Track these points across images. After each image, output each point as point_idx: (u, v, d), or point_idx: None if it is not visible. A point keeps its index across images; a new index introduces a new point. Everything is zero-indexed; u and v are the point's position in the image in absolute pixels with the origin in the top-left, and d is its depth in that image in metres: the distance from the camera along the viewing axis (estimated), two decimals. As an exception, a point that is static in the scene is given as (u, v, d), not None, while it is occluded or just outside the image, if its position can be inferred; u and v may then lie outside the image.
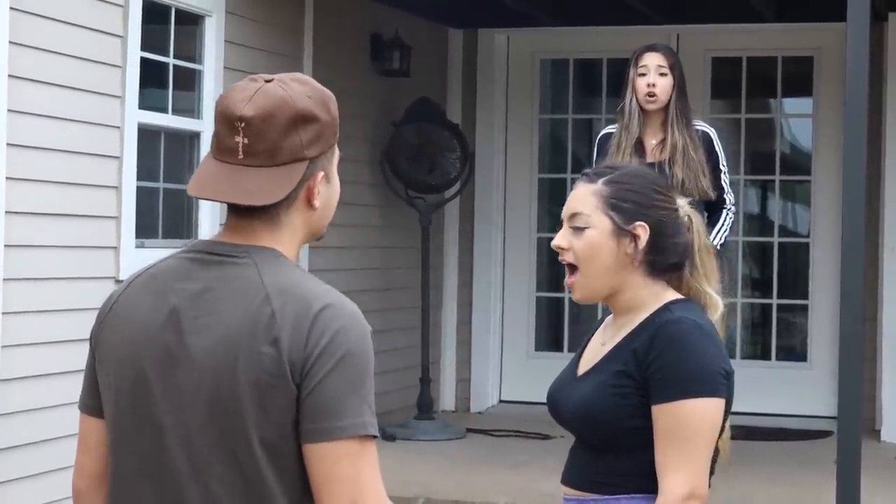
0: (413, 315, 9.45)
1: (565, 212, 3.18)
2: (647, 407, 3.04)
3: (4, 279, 5.71)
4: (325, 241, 8.50)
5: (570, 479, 3.22)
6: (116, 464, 2.50)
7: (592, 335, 3.31)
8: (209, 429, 2.38)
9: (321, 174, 2.49)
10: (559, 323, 10.47)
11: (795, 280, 10.37)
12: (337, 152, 2.54)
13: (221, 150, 2.45)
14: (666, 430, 3.01)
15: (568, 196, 3.22)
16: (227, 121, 2.44)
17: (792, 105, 10.88)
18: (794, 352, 10.27)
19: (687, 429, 3.00)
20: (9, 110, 5.73)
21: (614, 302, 3.18)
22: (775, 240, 10.39)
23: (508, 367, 10.47)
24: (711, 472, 3.13)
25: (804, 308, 10.16)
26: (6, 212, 5.73)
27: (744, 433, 9.20)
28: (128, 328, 2.47)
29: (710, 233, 6.51)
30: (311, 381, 2.35)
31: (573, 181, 3.27)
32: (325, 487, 2.34)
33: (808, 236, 10.23)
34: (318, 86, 2.52)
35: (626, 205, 3.11)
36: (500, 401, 10.44)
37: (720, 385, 3.04)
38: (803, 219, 10.52)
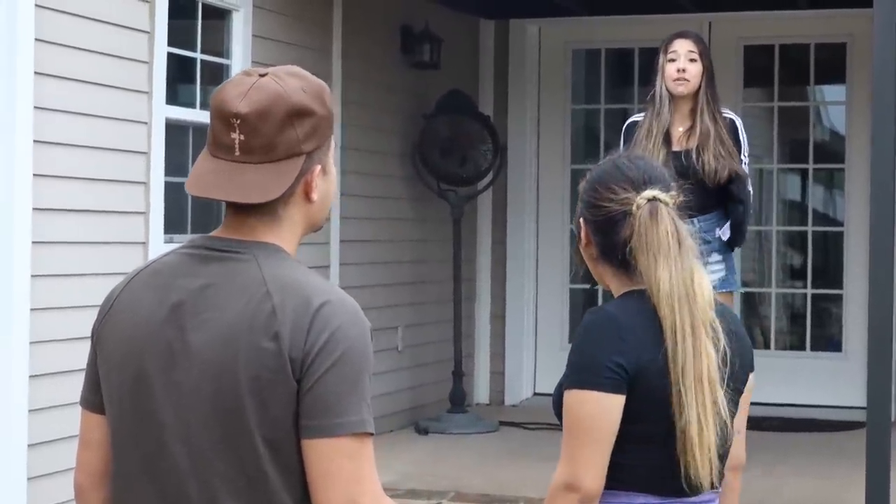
0: (446, 308, 9.45)
1: None
2: None
3: (32, 276, 5.73)
4: (356, 235, 8.58)
5: None
6: (118, 461, 2.50)
7: None
8: (210, 425, 2.38)
9: (318, 167, 2.48)
10: (593, 314, 10.43)
11: (830, 269, 10.31)
12: (332, 144, 2.53)
13: (217, 146, 2.45)
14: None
15: None
16: (222, 117, 2.43)
17: (825, 92, 10.81)
18: (829, 342, 10.21)
19: (567, 420, 3.01)
20: (35, 107, 5.75)
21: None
22: (809, 229, 10.33)
23: (542, 360, 10.45)
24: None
25: (839, 298, 10.10)
26: (33, 208, 5.75)
27: (778, 424, 9.17)
28: (129, 324, 2.47)
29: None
30: (311, 378, 2.35)
31: None
32: (321, 483, 2.34)
33: (842, 225, 10.17)
34: (314, 79, 2.51)
35: (580, 203, 3.20)
36: (535, 393, 10.43)
37: (604, 379, 2.98)
38: (838, 207, 10.46)
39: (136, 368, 2.45)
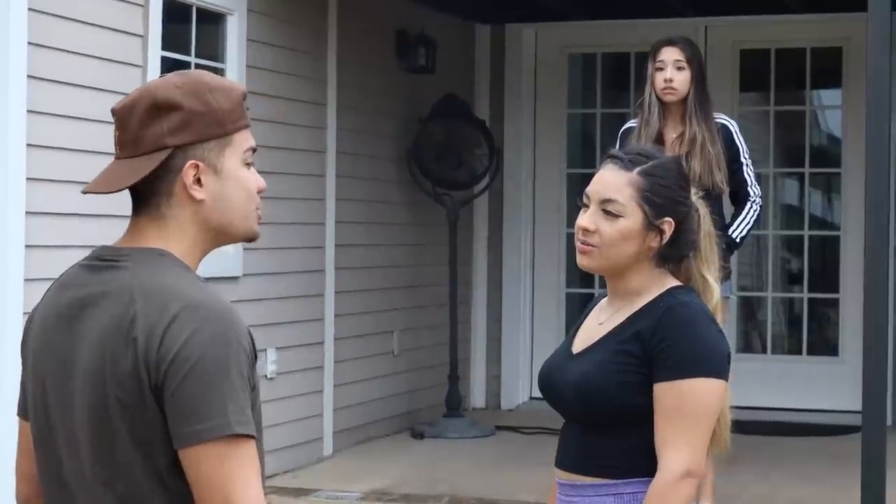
0: (442, 312, 9.44)
1: (596, 194, 3.21)
2: (648, 385, 3.09)
3: (26, 280, 5.72)
4: (352, 239, 8.57)
5: (563, 462, 3.23)
6: (38, 470, 2.54)
7: (586, 316, 3.35)
8: (91, 435, 2.39)
9: (195, 163, 2.45)
10: (589, 318, 10.43)
11: (827, 273, 10.30)
12: (240, 145, 2.49)
13: (114, 147, 2.51)
14: (669, 408, 3.06)
15: (596, 175, 3.25)
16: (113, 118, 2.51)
17: (822, 97, 10.81)
18: (826, 346, 10.21)
19: (691, 407, 3.06)
20: (28, 111, 5.74)
21: (617, 284, 3.23)
22: (806, 233, 10.33)
23: (539, 364, 10.32)
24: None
25: (835, 302, 10.09)
26: (27, 212, 5.74)
27: (774, 428, 9.16)
28: (37, 339, 2.51)
29: (732, 225, 6.49)
30: (171, 386, 2.32)
31: (602, 161, 3.29)
32: (196, 490, 2.32)
33: (839, 229, 10.16)
34: (204, 78, 2.49)
35: (657, 199, 3.17)
36: (531, 398, 10.41)
37: (724, 367, 3.12)
38: (835, 211, 10.46)
39: (39, 383, 2.48)
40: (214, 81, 2.49)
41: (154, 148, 2.43)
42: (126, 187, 2.45)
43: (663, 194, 3.18)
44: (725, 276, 6.41)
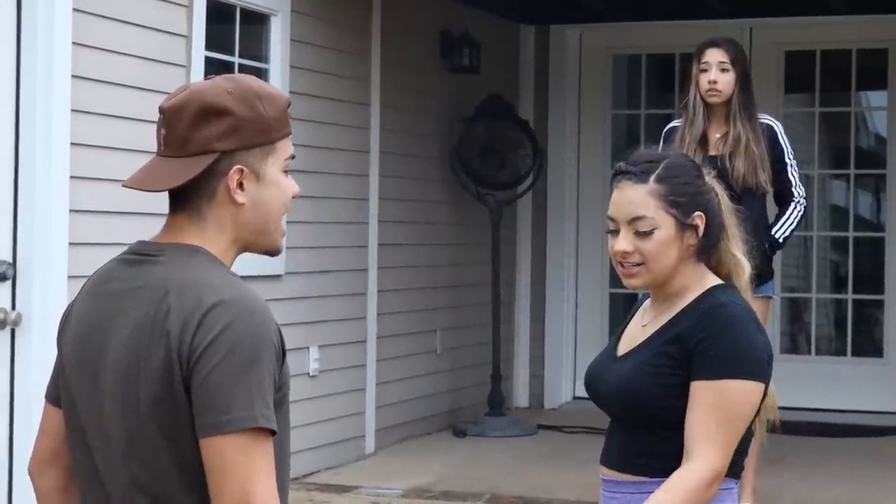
0: (484, 311, 9.46)
1: (622, 215, 3.19)
2: (685, 388, 3.10)
3: (69, 276, 5.79)
4: (394, 238, 8.61)
5: (607, 460, 3.27)
6: (73, 463, 2.58)
7: (631, 317, 3.36)
8: (122, 430, 2.43)
9: (240, 168, 2.49)
10: (633, 319, 10.42)
11: (872, 275, 10.26)
12: (282, 153, 2.53)
13: (157, 144, 2.54)
14: (706, 403, 3.05)
15: (614, 196, 3.22)
16: (158, 115, 2.53)
17: (867, 98, 10.77)
18: (871, 347, 10.17)
19: (728, 407, 3.06)
20: (73, 110, 5.81)
21: (662, 288, 3.22)
22: (850, 234, 10.29)
23: (582, 364, 10.43)
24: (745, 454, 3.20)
25: (880, 303, 10.06)
26: (70, 210, 5.81)
27: (818, 429, 9.14)
28: (74, 332, 2.55)
29: (775, 225, 6.50)
30: (198, 377, 2.35)
31: (612, 179, 3.26)
32: (214, 480, 2.34)
33: (884, 230, 10.12)
34: (253, 84, 2.52)
35: (682, 199, 3.17)
36: (574, 397, 10.42)
37: (765, 369, 3.11)
38: (880, 212, 10.42)
39: (75, 373, 2.52)
40: (262, 88, 2.53)
41: (201, 151, 2.46)
42: (173, 187, 2.48)
43: (686, 192, 3.17)
44: (768, 275, 6.43)
